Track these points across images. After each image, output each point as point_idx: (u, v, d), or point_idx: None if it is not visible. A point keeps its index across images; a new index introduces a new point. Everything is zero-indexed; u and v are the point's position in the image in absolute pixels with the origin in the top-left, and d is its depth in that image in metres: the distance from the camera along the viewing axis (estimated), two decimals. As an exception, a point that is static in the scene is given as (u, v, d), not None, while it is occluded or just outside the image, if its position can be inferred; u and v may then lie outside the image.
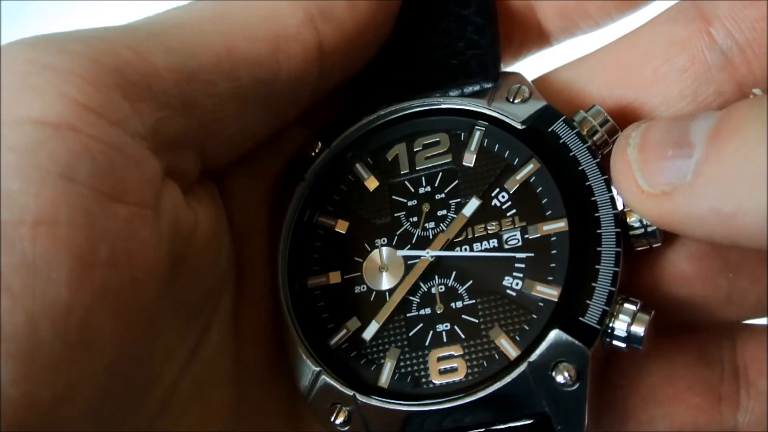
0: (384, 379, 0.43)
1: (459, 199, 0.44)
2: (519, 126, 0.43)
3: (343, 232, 0.46)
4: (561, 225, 0.41)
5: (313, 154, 0.47)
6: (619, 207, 0.40)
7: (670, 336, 0.43)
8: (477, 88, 0.45)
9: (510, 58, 0.49)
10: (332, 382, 0.42)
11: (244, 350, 0.44)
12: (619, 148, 0.38)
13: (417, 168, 0.46)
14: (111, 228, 0.34)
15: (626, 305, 0.40)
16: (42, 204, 0.33)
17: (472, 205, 0.43)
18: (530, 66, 0.49)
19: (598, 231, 0.40)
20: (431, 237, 0.44)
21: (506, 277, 0.42)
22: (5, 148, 0.33)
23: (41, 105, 0.34)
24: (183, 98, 0.38)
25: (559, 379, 0.39)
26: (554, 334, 0.39)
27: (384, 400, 0.42)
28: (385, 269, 0.44)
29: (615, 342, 0.40)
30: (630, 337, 0.39)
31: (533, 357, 0.39)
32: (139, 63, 0.37)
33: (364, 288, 0.44)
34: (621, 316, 0.39)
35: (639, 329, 0.39)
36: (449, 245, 0.43)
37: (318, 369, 0.43)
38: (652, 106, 0.44)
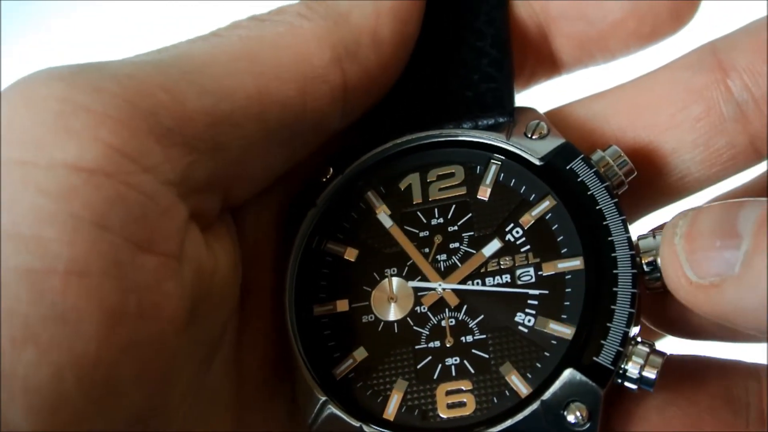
0: (390, 411, 0.42)
1: (472, 233, 0.44)
2: (537, 162, 0.43)
3: (352, 260, 0.45)
4: (576, 263, 0.41)
5: (324, 180, 0.46)
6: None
7: (693, 375, 0.43)
8: (492, 122, 0.45)
9: (519, 86, 0.49)
10: (338, 412, 0.42)
11: (245, 378, 0.43)
12: (666, 237, 0.38)
13: (430, 199, 0.45)
14: (139, 280, 0.33)
15: (639, 347, 0.40)
16: (75, 253, 0.32)
17: (493, 246, 0.43)
18: (539, 95, 0.50)
19: (615, 271, 0.40)
20: (443, 269, 0.44)
21: (518, 313, 0.42)
22: (38, 192, 0.32)
23: (76, 149, 0.33)
24: (213, 142, 0.38)
25: (571, 418, 0.38)
26: (568, 374, 0.39)
27: None
28: (394, 300, 0.44)
29: (627, 384, 0.40)
30: (642, 380, 0.39)
31: (546, 396, 0.39)
32: (173, 106, 0.36)
33: (371, 318, 0.44)
34: (634, 357, 0.39)
35: (651, 372, 0.39)
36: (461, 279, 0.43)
37: (324, 399, 0.42)
38: (665, 152, 0.44)
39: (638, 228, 0.47)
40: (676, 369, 0.41)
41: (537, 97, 0.49)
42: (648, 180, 0.45)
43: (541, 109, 0.47)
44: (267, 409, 0.44)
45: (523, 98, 0.49)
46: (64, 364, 0.31)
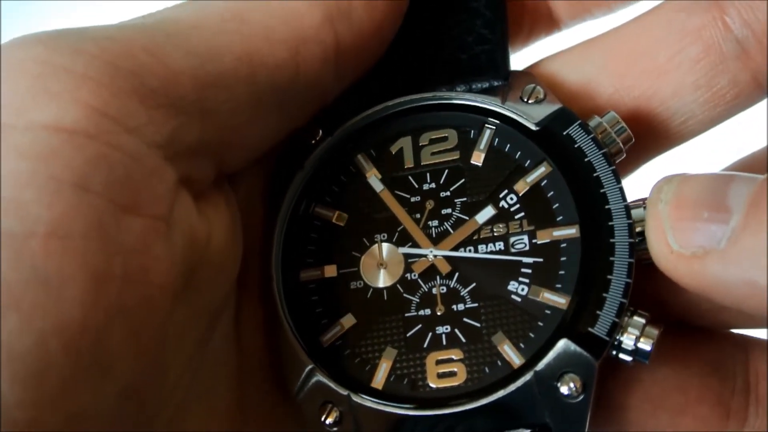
0: (379, 380, 0.41)
1: (465, 198, 0.43)
2: (533, 127, 0.42)
3: (341, 225, 0.44)
4: (572, 232, 0.40)
5: (313, 142, 0.45)
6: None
7: (685, 340, 0.42)
8: (486, 85, 0.44)
9: (518, 44, 0.48)
10: (325, 380, 0.41)
11: (245, 349, 0.42)
12: (651, 202, 0.37)
13: (422, 163, 0.44)
14: (125, 242, 0.32)
15: (635, 318, 0.39)
16: (55, 215, 0.31)
17: (487, 213, 0.42)
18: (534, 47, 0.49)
19: (611, 240, 0.39)
20: (434, 235, 0.43)
21: (511, 282, 0.41)
22: (17, 154, 0.31)
23: (56, 110, 0.32)
24: (200, 104, 0.36)
25: (564, 390, 0.38)
26: (563, 344, 0.38)
27: (379, 401, 0.40)
28: (384, 266, 0.43)
29: (621, 355, 0.39)
30: (637, 351, 0.39)
31: (540, 366, 0.38)
32: (157, 67, 0.35)
33: (360, 284, 0.43)
34: (630, 329, 0.39)
35: (647, 344, 0.38)
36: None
37: (311, 366, 0.41)
38: (664, 96, 0.43)
39: (642, 175, 0.46)
40: (670, 333, 0.41)
41: (535, 52, 0.48)
42: (651, 126, 0.43)
43: (538, 58, 0.46)
44: (269, 382, 0.43)
45: (522, 54, 0.48)
46: (49, 331, 0.30)
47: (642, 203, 0.40)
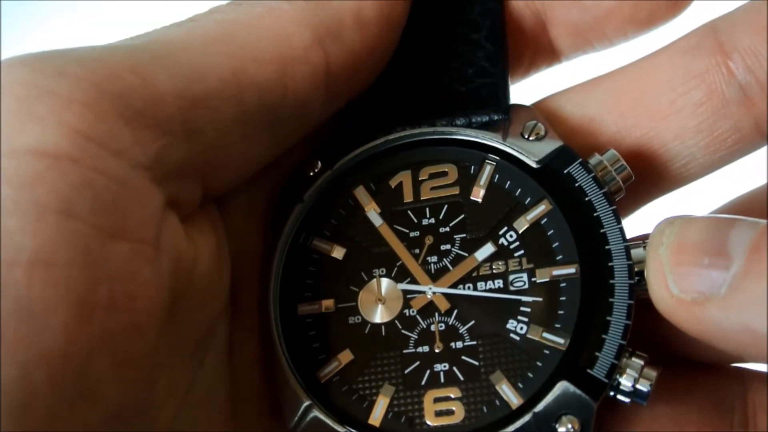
0: (376, 417, 0.41)
1: (464, 235, 0.43)
2: (534, 165, 0.42)
3: (340, 259, 0.44)
4: (572, 271, 0.40)
5: (312, 174, 0.45)
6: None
7: (684, 375, 0.42)
8: (486, 119, 0.44)
9: (518, 75, 0.47)
10: (322, 417, 0.40)
11: (238, 379, 0.42)
12: (652, 245, 0.37)
13: (421, 198, 0.44)
14: (111, 268, 0.32)
15: (634, 359, 0.39)
16: (39, 243, 0.30)
17: (486, 250, 0.42)
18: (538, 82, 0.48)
19: (611, 281, 0.39)
20: (433, 272, 0.42)
21: (510, 321, 0.41)
22: (1, 180, 0.30)
23: (40, 134, 0.32)
24: (187, 125, 0.36)
25: (562, 430, 0.37)
26: (562, 386, 0.38)
27: None
28: (382, 301, 0.43)
29: (620, 396, 0.39)
30: (636, 393, 0.38)
31: (539, 408, 0.38)
32: (143, 88, 0.34)
33: (358, 319, 0.43)
34: (628, 370, 0.38)
35: (645, 386, 0.38)
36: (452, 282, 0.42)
37: (308, 403, 0.41)
38: (666, 138, 0.43)
39: (641, 215, 0.46)
40: (668, 368, 0.41)
41: (536, 84, 0.48)
42: (651, 167, 0.43)
43: (540, 94, 0.46)
44: (263, 414, 0.43)
45: (522, 85, 0.48)
46: (32, 361, 0.29)
47: (642, 242, 0.40)
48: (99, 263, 0.32)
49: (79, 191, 0.32)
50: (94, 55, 0.35)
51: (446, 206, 0.43)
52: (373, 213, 0.44)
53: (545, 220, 0.42)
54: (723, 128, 0.42)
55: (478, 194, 0.43)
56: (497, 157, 0.43)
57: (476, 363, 0.40)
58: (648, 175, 0.43)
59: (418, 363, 0.41)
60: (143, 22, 0.40)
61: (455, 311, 0.42)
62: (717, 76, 0.42)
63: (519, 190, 0.43)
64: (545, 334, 0.40)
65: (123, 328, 0.32)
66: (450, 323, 0.41)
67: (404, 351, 0.42)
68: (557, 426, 0.38)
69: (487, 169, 0.43)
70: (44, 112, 0.32)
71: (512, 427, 0.38)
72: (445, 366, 0.41)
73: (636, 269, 0.39)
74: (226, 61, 0.37)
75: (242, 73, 0.37)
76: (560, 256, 0.41)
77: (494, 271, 0.42)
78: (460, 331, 0.41)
